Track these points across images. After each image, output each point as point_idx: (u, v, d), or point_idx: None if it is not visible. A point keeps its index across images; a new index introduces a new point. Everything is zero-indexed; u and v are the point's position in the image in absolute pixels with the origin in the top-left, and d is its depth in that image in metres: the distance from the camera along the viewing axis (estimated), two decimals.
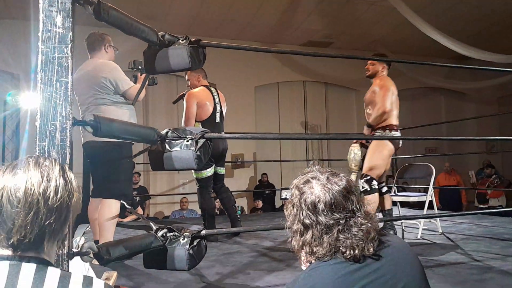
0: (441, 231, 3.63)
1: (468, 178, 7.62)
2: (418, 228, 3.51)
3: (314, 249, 0.97)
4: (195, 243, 1.71)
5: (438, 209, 5.98)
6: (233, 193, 7.45)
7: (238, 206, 7.66)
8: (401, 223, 3.78)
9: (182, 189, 7.66)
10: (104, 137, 1.63)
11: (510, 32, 6.84)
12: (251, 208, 7.86)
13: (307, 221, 0.98)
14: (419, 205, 3.88)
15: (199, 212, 6.54)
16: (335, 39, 8.10)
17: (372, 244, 0.96)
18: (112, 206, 2.68)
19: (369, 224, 0.98)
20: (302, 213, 0.99)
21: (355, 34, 7.73)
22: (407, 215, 3.94)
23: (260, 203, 7.19)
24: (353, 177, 3.31)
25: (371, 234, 0.96)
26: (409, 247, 1.06)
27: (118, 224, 4.19)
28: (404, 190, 4.92)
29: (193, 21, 7.09)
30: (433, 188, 3.83)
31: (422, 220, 3.55)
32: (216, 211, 5.30)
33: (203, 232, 1.76)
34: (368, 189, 3.22)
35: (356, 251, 0.94)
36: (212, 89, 3.69)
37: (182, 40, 1.74)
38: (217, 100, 3.62)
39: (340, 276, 0.92)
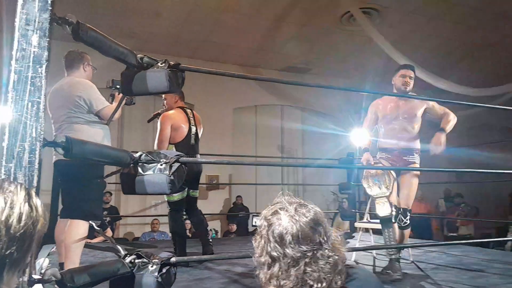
0: (411, 260, 3.67)
1: (438, 206, 7.82)
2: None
3: (281, 282, 0.96)
4: (164, 270, 1.66)
5: (409, 236, 6.07)
6: (206, 215, 7.34)
7: (211, 229, 7.58)
8: (373, 251, 3.81)
9: (154, 210, 7.50)
10: (75, 158, 1.59)
11: (477, 63, 7.19)
12: (224, 231, 7.75)
13: (274, 253, 0.97)
14: None
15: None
16: (313, 66, 8.29)
17: (339, 277, 0.95)
18: (80, 227, 2.59)
19: (336, 257, 0.97)
20: (270, 245, 0.98)
21: (333, 62, 7.93)
22: (378, 245, 3.96)
23: (234, 227, 7.11)
24: (383, 203, 3.18)
25: (338, 267, 0.96)
26: (376, 279, 1.07)
27: (87, 245, 4.03)
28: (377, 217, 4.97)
29: (173, 41, 7.12)
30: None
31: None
32: (188, 233, 5.24)
33: (173, 259, 1.71)
34: (408, 223, 3.19)
35: (324, 284, 0.93)
36: (188, 110, 3.65)
37: (161, 63, 1.74)
38: (192, 122, 3.58)
39: None
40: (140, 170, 1.68)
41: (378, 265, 3.54)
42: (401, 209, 3.15)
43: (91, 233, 4.75)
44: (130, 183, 1.68)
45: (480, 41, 6.64)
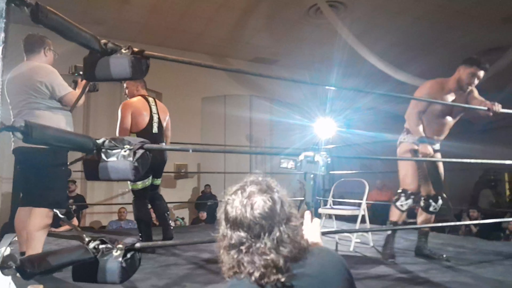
0: (372, 244, 3.84)
1: None
2: (351, 241, 3.69)
3: (223, 258, 1.00)
4: (128, 255, 1.68)
5: (370, 222, 6.31)
6: (175, 203, 7.33)
7: (178, 218, 7.57)
8: (336, 236, 3.95)
9: (121, 199, 7.39)
10: (35, 144, 1.57)
11: (436, 58, 7.46)
12: (192, 219, 7.77)
13: (221, 230, 1.01)
14: (354, 218, 4.08)
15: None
16: (281, 57, 8.36)
17: (280, 275, 0.94)
18: (44, 215, 2.55)
19: (272, 256, 0.94)
20: (222, 221, 1.01)
21: (300, 53, 8.03)
22: (340, 229, 4.11)
23: (204, 215, 7.14)
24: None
25: (278, 264, 0.94)
26: (335, 270, 1.03)
27: (51, 234, 3.97)
28: (340, 203, 5.14)
29: (142, 28, 6.97)
30: (367, 203, 4.06)
31: (355, 234, 3.74)
32: (155, 222, 5.23)
33: (137, 244, 1.73)
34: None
35: (259, 278, 0.94)
36: (150, 99, 3.62)
37: (124, 50, 1.72)
38: (154, 110, 3.55)
39: None
40: (103, 156, 1.68)
41: (341, 250, 3.69)
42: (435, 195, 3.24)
43: (56, 222, 4.66)
44: (93, 170, 1.67)
45: (440, 37, 6.90)
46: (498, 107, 2.95)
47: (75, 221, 5.71)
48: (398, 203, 3.21)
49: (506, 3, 5.60)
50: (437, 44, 7.07)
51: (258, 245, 0.95)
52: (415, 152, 3.14)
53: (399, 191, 3.24)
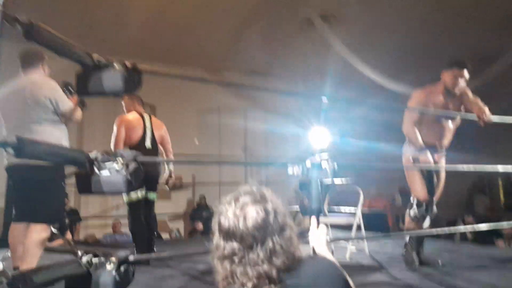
0: (368, 252, 3.84)
1: (394, 201, 8.19)
2: (347, 249, 3.70)
3: (218, 268, 1.01)
4: (122, 268, 1.67)
5: (366, 230, 6.31)
6: (170, 215, 7.26)
7: (173, 230, 7.53)
8: (331, 244, 3.95)
9: (116, 212, 7.35)
10: (27, 159, 1.58)
11: (430, 67, 7.55)
12: (188, 231, 7.74)
13: (215, 240, 1.01)
14: (349, 226, 4.09)
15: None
16: (276, 69, 8.43)
17: (272, 285, 0.94)
18: (41, 230, 2.53)
19: (264, 267, 0.94)
20: (215, 232, 1.02)
21: (294, 65, 8.10)
22: (336, 237, 4.12)
23: (200, 225, 7.13)
24: None
25: (271, 275, 0.94)
26: (329, 280, 1.02)
27: (45, 249, 3.93)
28: (335, 212, 5.14)
29: (139, 45, 7.06)
30: (362, 210, 4.08)
31: (350, 241, 3.75)
32: None
33: (131, 257, 1.73)
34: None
35: (250, 285, 0.94)
36: (146, 115, 3.73)
37: (117, 64, 1.75)
38: (148, 125, 3.64)
39: None
40: (96, 169, 1.69)
41: (336, 258, 3.68)
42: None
43: (50, 236, 4.63)
44: (86, 183, 1.68)
45: (434, 46, 6.99)
46: (488, 117, 2.93)
47: (68, 235, 5.67)
48: (411, 212, 3.18)
49: (500, 9, 5.66)
50: (431, 54, 7.15)
51: (251, 256, 0.95)
52: (417, 161, 3.15)
53: (411, 200, 3.22)
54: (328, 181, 2.07)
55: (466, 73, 3.06)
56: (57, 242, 4.82)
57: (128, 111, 3.73)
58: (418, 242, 3.21)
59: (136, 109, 3.72)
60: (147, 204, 3.69)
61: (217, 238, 1.01)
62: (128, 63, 1.74)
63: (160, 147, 3.83)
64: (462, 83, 3.06)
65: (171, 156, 3.90)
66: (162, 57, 7.54)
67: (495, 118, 2.98)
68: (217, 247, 1.00)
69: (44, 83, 2.63)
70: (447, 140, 3.21)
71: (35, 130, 2.51)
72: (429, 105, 3.10)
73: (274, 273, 0.94)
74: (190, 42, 7.11)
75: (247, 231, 0.95)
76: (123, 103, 3.81)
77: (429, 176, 3.21)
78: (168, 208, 7.07)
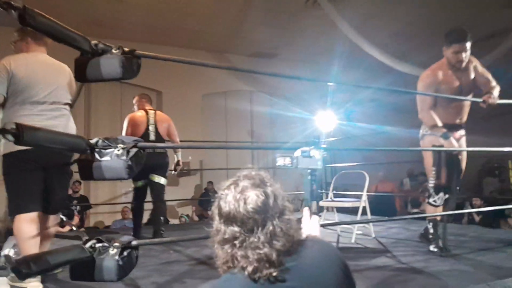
0: (373, 236, 3.84)
1: (402, 185, 8.16)
2: (352, 233, 3.70)
3: (218, 253, 1.01)
4: (125, 253, 1.69)
5: (373, 214, 6.31)
6: (178, 201, 7.37)
7: (183, 215, 7.61)
8: (337, 228, 3.96)
9: (125, 198, 7.44)
10: (27, 146, 1.59)
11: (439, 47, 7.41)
12: (198, 215, 7.83)
13: (215, 225, 1.02)
14: (355, 210, 4.08)
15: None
16: (281, 51, 8.33)
17: (272, 269, 0.95)
18: (22, 221, 2.30)
19: (265, 250, 0.95)
20: (215, 216, 1.02)
21: (300, 46, 7.99)
22: (341, 221, 4.12)
23: (209, 212, 7.19)
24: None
25: (271, 258, 0.95)
26: (328, 262, 1.04)
27: (57, 235, 4.04)
28: (343, 196, 5.14)
29: (140, 27, 6.97)
30: (368, 194, 4.06)
31: (356, 225, 3.74)
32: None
33: (134, 242, 1.75)
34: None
35: (252, 272, 0.94)
36: (151, 112, 4.04)
37: (115, 50, 1.73)
38: (151, 121, 3.96)
39: None
40: (97, 156, 1.69)
41: (342, 242, 3.70)
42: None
43: (60, 223, 4.71)
44: (87, 169, 1.69)
45: (442, 24, 6.82)
46: (494, 100, 2.86)
47: (76, 220, 5.78)
48: (431, 200, 3.09)
49: None
50: (439, 32, 6.99)
51: (251, 239, 0.96)
52: (440, 147, 3.02)
53: (429, 186, 3.11)
54: (319, 168, 2.05)
55: (467, 45, 2.92)
56: (67, 228, 4.92)
57: (138, 109, 4.07)
58: (439, 227, 3.10)
59: (144, 107, 4.06)
60: (156, 188, 3.95)
61: (217, 223, 1.01)
62: (125, 48, 1.73)
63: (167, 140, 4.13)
64: (464, 56, 2.93)
65: (179, 151, 4.19)
66: (164, 41, 7.50)
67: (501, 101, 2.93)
68: (217, 231, 1.01)
69: (66, 67, 2.57)
70: (464, 117, 3.10)
71: (65, 113, 2.49)
72: (439, 83, 3.01)
73: (274, 256, 0.95)
74: (192, 25, 7.04)
75: (247, 215, 0.96)
76: (134, 102, 4.20)
77: (450, 160, 3.08)
78: (177, 194, 7.13)
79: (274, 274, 0.94)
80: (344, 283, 1.04)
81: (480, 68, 3.05)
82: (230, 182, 1.04)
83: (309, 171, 3.58)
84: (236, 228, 0.97)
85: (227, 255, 0.98)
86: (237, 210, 0.97)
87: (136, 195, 4.05)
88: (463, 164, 3.15)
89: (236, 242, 0.96)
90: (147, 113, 4.00)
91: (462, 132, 3.14)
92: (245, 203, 0.97)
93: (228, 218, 0.98)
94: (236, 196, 0.98)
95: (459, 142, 3.10)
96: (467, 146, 3.15)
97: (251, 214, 0.96)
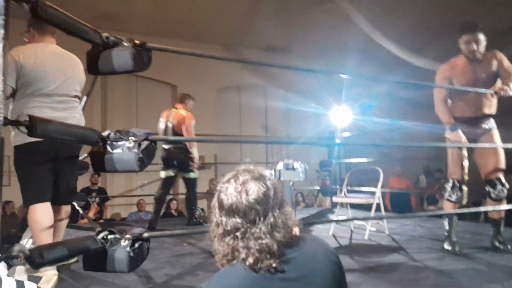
0: (387, 232, 3.79)
1: (418, 182, 8.02)
2: (366, 230, 3.66)
3: (217, 246, 1.02)
4: (136, 245, 1.71)
5: (389, 211, 6.23)
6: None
7: (198, 208, 7.66)
8: (350, 224, 3.92)
9: (141, 191, 7.54)
10: (40, 137, 1.61)
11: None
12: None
13: (215, 218, 1.03)
14: (370, 207, 4.03)
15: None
16: (294, 45, 8.25)
17: (273, 260, 0.96)
18: (32, 211, 2.34)
19: (266, 240, 0.97)
20: (215, 210, 1.04)
21: (313, 41, 7.90)
22: (353, 217, 4.08)
23: None
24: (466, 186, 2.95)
25: (272, 249, 0.96)
26: (325, 256, 1.06)
27: (73, 226, 4.15)
28: (357, 192, 5.09)
29: (152, 22, 7.00)
30: (384, 191, 4.01)
31: (370, 222, 3.70)
32: (173, 213, 6.14)
33: (145, 234, 1.76)
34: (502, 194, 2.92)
35: (253, 263, 0.96)
36: (174, 109, 4.49)
37: (126, 42, 1.74)
38: (170, 119, 4.41)
39: (245, 283, 0.96)
40: (109, 148, 1.71)
41: (355, 238, 3.66)
42: (491, 180, 2.95)
43: (76, 216, 4.80)
44: (99, 161, 1.70)
45: (458, 18, 6.64)
46: (506, 92, 2.76)
47: (91, 212, 5.88)
48: (447, 195, 3.05)
49: None
50: (455, 26, 6.83)
51: (253, 230, 0.98)
52: (449, 140, 3.00)
53: (446, 183, 3.08)
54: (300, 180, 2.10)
55: (479, 36, 2.90)
56: (86, 221, 5.00)
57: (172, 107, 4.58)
58: (453, 224, 3.04)
59: (176, 105, 4.54)
60: (186, 183, 4.51)
61: (217, 216, 1.03)
62: (137, 41, 1.73)
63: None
64: (476, 47, 2.90)
65: (194, 147, 4.42)
66: (176, 35, 7.50)
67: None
68: (217, 225, 1.02)
69: (78, 59, 2.56)
70: (488, 108, 2.97)
71: (75, 105, 2.50)
72: (456, 76, 2.97)
73: (275, 246, 0.97)
74: (203, 19, 7.02)
75: (250, 205, 0.98)
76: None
77: (472, 155, 3.01)
78: None
79: (274, 265, 0.97)
80: (339, 281, 1.06)
81: (506, 63, 2.96)
82: (230, 176, 1.06)
83: (291, 183, 3.61)
84: (238, 220, 0.98)
85: (228, 247, 1.00)
86: (240, 201, 0.99)
87: (163, 185, 4.41)
88: (493, 160, 2.94)
89: (238, 233, 0.98)
90: (170, 111, 4.50)
91: (486, 125, 3.01)
92: (247, 194, 0.99)
93: (230, 210, 0.99)
94: (237, 188, 1.01)
95: (482, 137, 3.00)
96: (502, 141, 3.01)
97: (253, 204, 0.98)
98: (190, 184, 4.51)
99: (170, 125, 4.39)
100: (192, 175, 4.46)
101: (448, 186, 3.04)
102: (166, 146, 4.37)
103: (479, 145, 2.98)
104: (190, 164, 4.38)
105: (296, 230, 1.05)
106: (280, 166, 3.46)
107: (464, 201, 3.01)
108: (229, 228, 0.99)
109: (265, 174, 1.05)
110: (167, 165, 4.38)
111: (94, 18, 6.34)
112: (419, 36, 7.07)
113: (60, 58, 2.47)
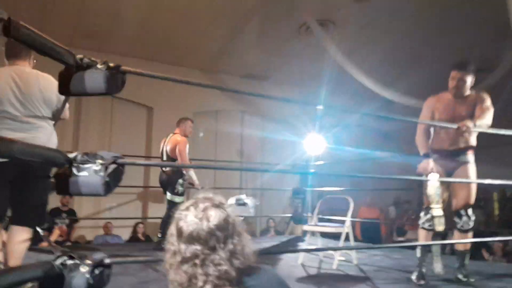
0: (356, 262, 3.81)
1: (388, 213, 8.15)
2: (334, 259, 3.67)
3: (173, 275, 1.01)
4: (96, 271, 1.65)
5: (359, 241, 6.28)
6: (157, 219, 7.40)
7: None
8: (320, 253, 3.92)
9: (109, 213, 7.32)
10: (2, 158, 1.56)
11: (422, 73, 7.55)
12: None
13: (172, 246, 1.02)
14: (339, 236, 4.05)
15: (124, 237, 6.44)
16: (272, 74, 8.42)
17: (231, 287, 0.97)
18: (30, 233, 2.41)
19: (226, 267, 0.97)
20: (172, 237, 1.03)
21: (291, 70, 8.09)
22: (321, 247, 4.09)
23: None
24: (437, 212, 2.96)
25: (230, 275, 0.97)
26: (278, 280, 1.08)
27: (35, 249, 3.96)
28: (328, 221, 5.12)
29: (133, 42, 7.01)
30: (354, 220, 4.05)
31: (338, 251, 3.72)
32: (141, 237, 5.64)
33: (107, 260, 1.71)
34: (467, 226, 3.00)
35: (209, 287, 0.96)
36: (170, 134, 4.71)
37: (100, 65, 1.74)
38: (166, 143, 4.63)
39: None
40: (74, 171, 1.67)
41: (324, 268, 3.66)
42: (458, 212, 3.03)
43: (39, 237, 4.59)
44: (63, 184, 1.66)
45: (429, 52, 6.95)
46: (468, 128, 2.76)
47: (54, 235, 5.65)
48: (420, 222, 3.12)
49: (497, 17, 5.59)
50: (426, 59, 7.13)
51: (212, 257, 0.98)
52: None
53: (422, 211, 3.14)
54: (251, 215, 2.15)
55: (465, 76, 2.98)
56: (46, 244, 4.79)
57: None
58: (425, 255, 3.10)
59: (175, 130, 4.76)
60: (169, 205, 4.58)
61: (175, 245, 1.02)
62: (111, 64, 1.74)
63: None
64: (458, 85, 2.99)
65: (191, 171, 4.79)
66: (156, 58, 7.53)
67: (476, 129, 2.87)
68: (175, 253, 1.01)
69: (52, 79, 2.52)
70: (464, 143, 3.04)
71: (42, 125, 2.46)
72: (438, 109, 3.09)
73: (234, 274, 0.98)
74: (185, 42, 7.08)
75: (210, 231, 0.99)
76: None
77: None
78: (161, 212, 7.05)
79: None
80: None
81: (486, 104, 3.04)
82: (189, 204, 1.07)
83: (242, 218, 3.69)
84: (198, 247, 0.98)
85: (185, 275, 0.98)
86: (200, 228, 0.99)
87: (173, 210, 4.55)
88: (464, 192, 3.03)
89: (197, 260, 0.98)
90: (167, 137, 4.69)
91: (463, 159, 3.08)
92: (208, 220, 1.00)
93: (190, 237, 0.99)
94: (198, 215, 1.01)
95: (458, 170, 3.08)
96: (477, 176, 3.10)
97: (214, 231, 0.99)
98: (173, 207, 4.49)
99: (165, 149, 4.62)
100: (177, 199, 4.50)
101: (423, 214, 3.09)
102: (164, 169, 4.56)
103: (444, 179, 3.07)
104: (177, 188, 4.48)
105: (253, 259, 1.06)
106: (231, 201, 3.61)
107: (441, 228, 3.02)
108: (188, 255, 0.99)
109: (223, 202, 1.07)
110: (164, 187, 4.58)
111: (78, 37, 6.32)
112: (392, 69, 7.35)
113: (25, 80, 2.44)
